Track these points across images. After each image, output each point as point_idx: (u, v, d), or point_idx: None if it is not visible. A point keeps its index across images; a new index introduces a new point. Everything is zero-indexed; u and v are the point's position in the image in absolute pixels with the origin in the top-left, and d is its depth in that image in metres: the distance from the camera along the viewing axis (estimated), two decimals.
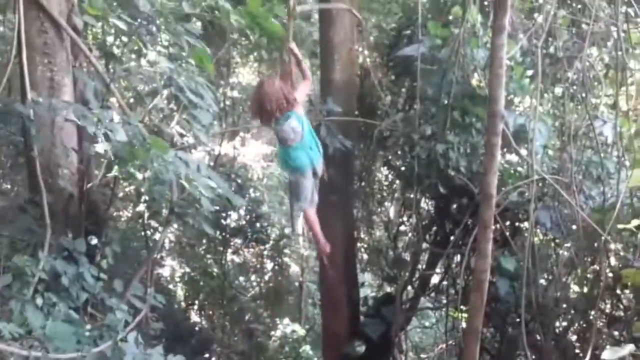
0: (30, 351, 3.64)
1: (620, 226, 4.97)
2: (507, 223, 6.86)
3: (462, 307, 7.17)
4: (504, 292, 6.51)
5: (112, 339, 4.37)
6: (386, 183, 9.30)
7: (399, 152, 7.53)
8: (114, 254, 5.36)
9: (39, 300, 4.43)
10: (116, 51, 6.94)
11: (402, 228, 8.65)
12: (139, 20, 5.51)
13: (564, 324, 7.00)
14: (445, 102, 6.61)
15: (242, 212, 10.80)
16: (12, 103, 5.41)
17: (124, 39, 7.16)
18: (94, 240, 5.21)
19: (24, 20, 4.92)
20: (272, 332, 11.48)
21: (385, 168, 8.99)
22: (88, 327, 4.60)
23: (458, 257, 7.31)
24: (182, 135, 7.51)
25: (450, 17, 6.98)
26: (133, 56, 7.71)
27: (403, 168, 7.61)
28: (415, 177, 6.82)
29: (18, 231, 5.67)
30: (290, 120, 5.48)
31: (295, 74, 5.92)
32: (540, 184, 6.43)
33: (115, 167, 4.95)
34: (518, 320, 6.32)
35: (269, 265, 12.43)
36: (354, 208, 8.53)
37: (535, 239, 6.61)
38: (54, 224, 4.93)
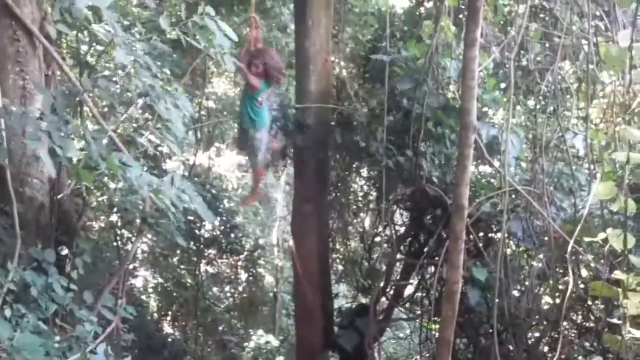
0: None
1: (587, 239, 5.02)
2: (480, 234, 6.91)
3: (435, 318, 7.19)
4: (474, 302, 6.54)
5: (81, 351, 4.31)
6: (361, 194, 9.32)
7: (372, 163, 7.56)
8: (84, 265, 5.29)
9: (8, 312, 4.35)
10: (90, 59, 6.91)
11: (377, 239, 8.67)
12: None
13: (536, 334, 7.06)
14: (419, 112, 6.65)
15: (216, 222, 10.75)
16: None
17: (99, 47, 7.11)
18: (65, 251, 5.15)
19: None
20: (246, 344, 11.40)
21: (361, 179, 9.03)
22: (57, 338, 4.52)
23: (432, 268, 7.33)
24: (156, 146, 7.46)
25: (426, 30, 7.03)
26: (107, 65, 7.67)
27: (377, 179, 7.65)
28: (387, 188, 6.84)
29: None
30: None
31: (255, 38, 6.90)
32: (512, 195, 6.49)
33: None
34: (491, 330, 6.34)
35: (243, 275, 12.38)
36: (329, 219, 8.54)
37: (508, 249, 6.66)
38: (24, 234, 4.85)
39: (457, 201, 4.27)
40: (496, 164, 6.35)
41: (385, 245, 8.46)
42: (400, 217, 8.18)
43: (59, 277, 4.86)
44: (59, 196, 5.32)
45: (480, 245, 6.65)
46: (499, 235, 6.61)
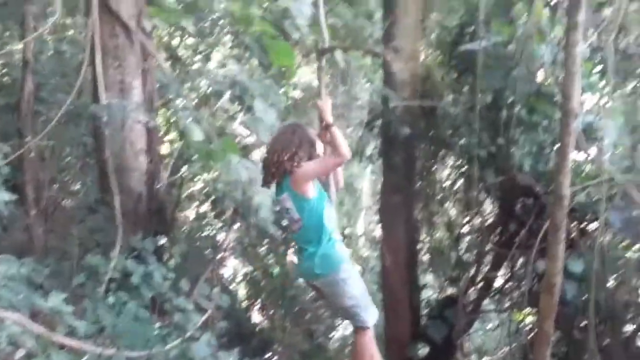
0: (103, 349, 3.71)
1: None
2: (574, 224, 6.69)
3: (527, 310, 7.03)
4: (571, 295, 6.33)
5: (181, 338, 4.42)
6: (448, 183, 9.18)
7: (460, 152, 7.44)
8: (181, 253, 5.43)
9: (111, 299, 4.52)
10: (182, 53, 7.05)
11: (465, 229, 8.52)
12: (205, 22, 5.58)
13: (633, 327, 6.80)
14: (510, 100, 6.50)
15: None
16: (83, 105, 5.53)
17: (189, 41, 7.25)
18: (162, 240, 5.29)
19: None
20: (333, 333, 11.40)
21: (447, 168, 8.90)
22: (157, 325, 4.66)
23: (523, 259, 7.15)
24: (245, 136, 7.57)
25: (515, 13, 6.84)
26: (197, 58, 7.82)
27: (464, 168, 7.53)
28: (477, 177, 6.72)
29: (88, 230, 5.81)
30: (284, 195, 4.15)
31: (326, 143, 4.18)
32: (610, 184, 6.25)
33: (184, 167, 5.02)
34: (586, 323, 6.16)
35: None
36: (415, 209, 8.45)
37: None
38: (124, 223, 5.02)
39: (558, 191, 4.15)
40: (592, 151, 6.13)
41: (474, 235, 8.32)
42: (489, 207, 8.00)
43: (157, 266, 5.00)
44: (157, 187, 5.47)
45: (573, 236, 6.44)
46: (594, 225, 6.38)
